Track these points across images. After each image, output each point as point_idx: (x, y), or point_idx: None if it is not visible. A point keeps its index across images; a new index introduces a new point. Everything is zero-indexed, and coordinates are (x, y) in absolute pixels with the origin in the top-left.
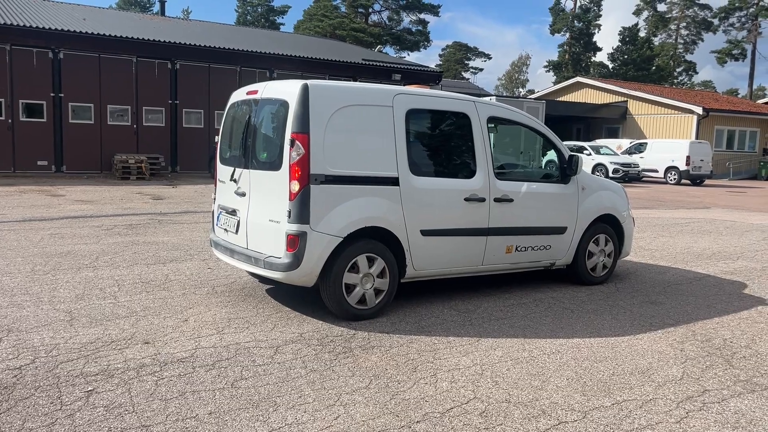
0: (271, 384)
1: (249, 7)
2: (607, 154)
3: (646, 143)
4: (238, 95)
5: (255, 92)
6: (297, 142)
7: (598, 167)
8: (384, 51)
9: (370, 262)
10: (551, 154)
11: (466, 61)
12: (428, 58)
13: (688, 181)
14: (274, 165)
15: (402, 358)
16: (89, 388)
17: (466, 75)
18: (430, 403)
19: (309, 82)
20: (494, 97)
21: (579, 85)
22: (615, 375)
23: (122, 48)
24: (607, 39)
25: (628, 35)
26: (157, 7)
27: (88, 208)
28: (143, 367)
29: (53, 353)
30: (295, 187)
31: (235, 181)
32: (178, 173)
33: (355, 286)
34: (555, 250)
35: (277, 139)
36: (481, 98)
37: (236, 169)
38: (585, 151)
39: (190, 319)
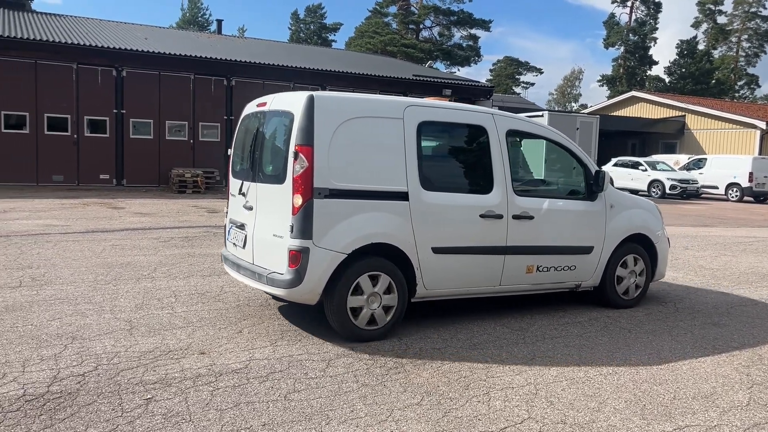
0: (323, 397)
1: (302, 25)
2: (664, 170)
3: (705, 159)
4: (250, 107)
5: (264, 104)
6: (300, 154)
7: (654, 183)
8: (434, 67)
9: (376, 280)
10: (577, 170)
11: (517, 76)
12: (478, 73)
13: (751, 198)
14: (279, 178)
15: (454, 375)
16: (148, 396)
17: (517, 90)
18: (483, 421)
19: (316, 93)
20: (546, 112)
21: (634, 100)
22: (676, 399)
23: (181, 66)
24: (663, 52)
25: (686, 48)
26: (214, 26)
27: (147, 221)
28: (199, 377)
29: (114, 361)
30: (298, 201)
31: (243, 194)
32: None
33: (361, 306)
34: (580, 271)
35: (282, 152)
36: (501, 111)
37: (244, 182)
38: (641, 167)
39: (244, 330)
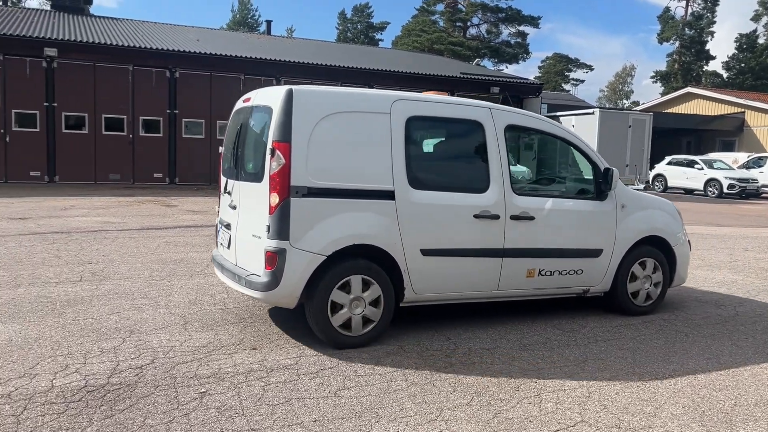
0: (372, 395)
1: (349, 25)
2: (721, 169)
3: (766, 157)
4: (238, 103)
5: (249, 99)
6: (277, 151)
7: (711, 183)
8: (482, 64)
9: (359, 284)
10: (585, 168)
11: (567, 73)
12: (526, 70)
13: None
14: (258, 176)
15: (504, 375)
16: (202, 390)
17: (567, 87)
18: (534, 423)
19: (296, 87)
20: (597, 110)
21: (689, 96)
22: (737, 406)
23: (231, 66)
24: (721, 47)
25: (746, 42)
26: (263, 27)
27: (199, 218)
28: (251, 372)
29: (170, 355)
30: (275, 200)
31: (229, 193)
32: None
33: (344, 312)
34: (588, 276)
35: (262, 149)
36: (500, 105)
37: (229, 180)
38: (696, 166)
39: (296, 327)
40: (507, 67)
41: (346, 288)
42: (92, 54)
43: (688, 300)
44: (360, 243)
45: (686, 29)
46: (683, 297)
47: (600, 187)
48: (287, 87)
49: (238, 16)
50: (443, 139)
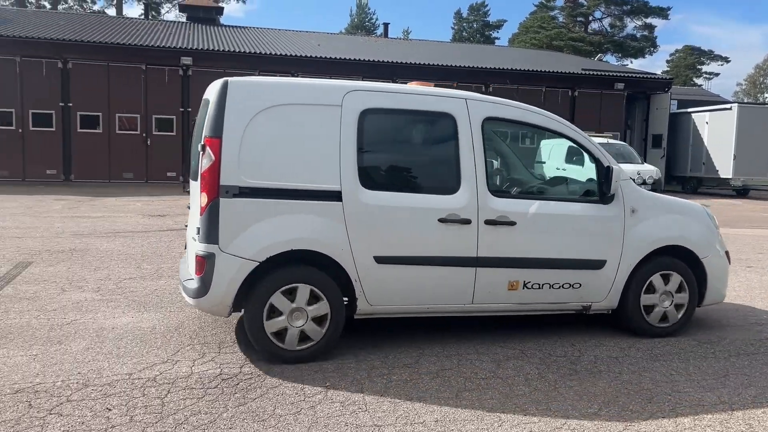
0: (494, 399)
1: (464, 24)
2: None
3: None
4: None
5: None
6: (208, 147)
7: None
8: (604, 60)
9: (301, 293)
10: (589, 166)
11: (699, 66)
12: (653, 64)
13: None
14: (196, 174)
15: (634, 386)
16: (327, 384)
17: (699, 81)
18: None
19: (234, 78)
20: (735, 105)
21: None
22: None
23: (349, 69)
24: None
25: None
26: (380, 30)
27: None
28: (373, 369)
29: None
30: (204, 200)
31: (188, 193)
32: None
33: (282, 323)
34: (588, 290)
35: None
36: (479, 95)
37: (188, 179)
38: None
39: (414, 328)
40: (632, 62)
41: (289, 295)
42: (222, 61)
43: None
44: (300, 249)
45: None
46: None
47: (602, 188)
48: (226, 78)
49: (356, 20)
50: (405, 133)
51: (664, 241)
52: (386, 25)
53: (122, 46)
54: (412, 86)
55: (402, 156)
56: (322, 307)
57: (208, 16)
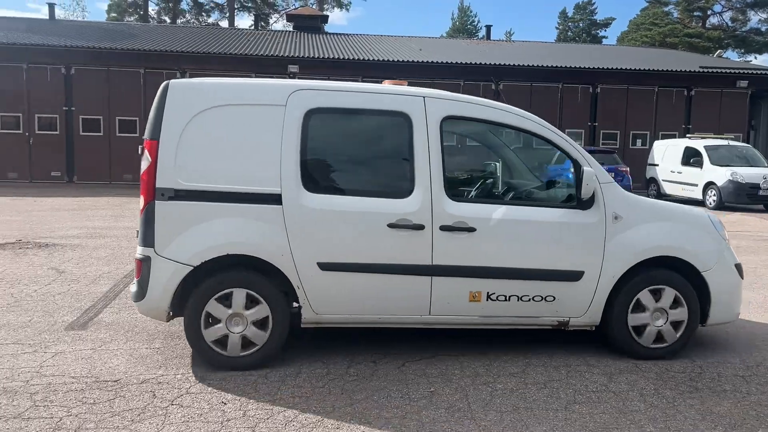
0: (607, 413)
1: (570, 24)
2: None
3: None
4: None
5: None
6: (146, 150)
7: None
8: (725, 56)
9: (239, 298)
10: (565, 167)
11: None
12: None
13: None
14: None
15: (764, 408)
16: (431, 389)
17: None
18: None
19: (174, 80)
20: None
21: None
22: None
23: (450, 73)
24: None
25: None
26: (482, 32)
27: None
28: (478, 376)
29: (400, 351)
30: (141, 202)
31: None
32: None
33: (221, 329)
34: (564, 304)
35: None
36: (443, 93)
37: None
38: None
39: (518, 335)
40: (756, 58)
41: (226, 301)
42: (326, 68)
43: None
44: (237, 253)
45: None
46: None
47: (577, 192)
48: (167, 81)
49: (457, 23)
50: (355, 134)
51: (653, 251)
52: (488, 27)
53: (233, 56)
54: (365, 84)
55: (350, 158)
56: (262, 310)
57: (314, 25)
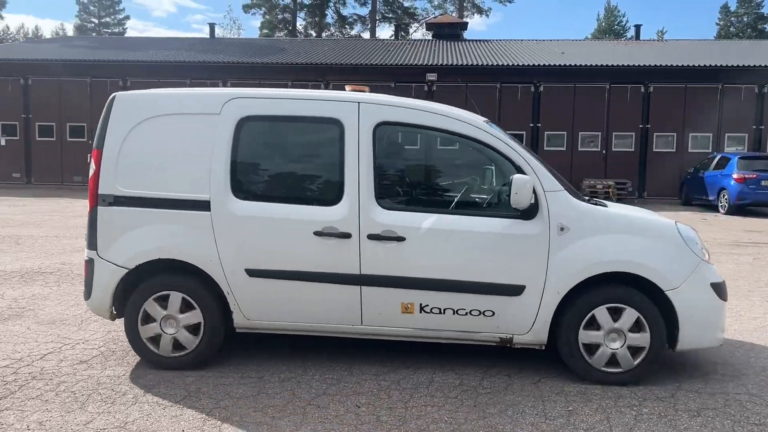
0: None
1: (732, 18)
2: None
3: None
4: None
5: None
6: (92, 158)
7: None
8: None
9: (182, 304)
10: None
11: None
12: None
13: None
14: None
15: None
16: (569, 408)
17: None
18: None
19: (120, 93)
20: None
21: None
22: None
23: (595, 76)
24: None
25: None
26: (631, 32)
27: None
28: (621, 398)
29: (536, 366)
30: (87, 208)
31: None
32: (644, 199)
33: (155, 330)
34: (505, 320)
35: None
36: (382, 97)
37: None
38: None
39: (674, 358)
40: None
41: (163, 302)
42: (464, 75)
43: None
44: (168, 258)
45: None
46: None
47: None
48: (114, 93)
49: (603, 24)
50: (286, 141)
51: (604, 266)
52: (637, 27)
53: (372, 66)
54: (301, 91)
55: (281, 165)
56: (194, 316)
57: (453, 32)
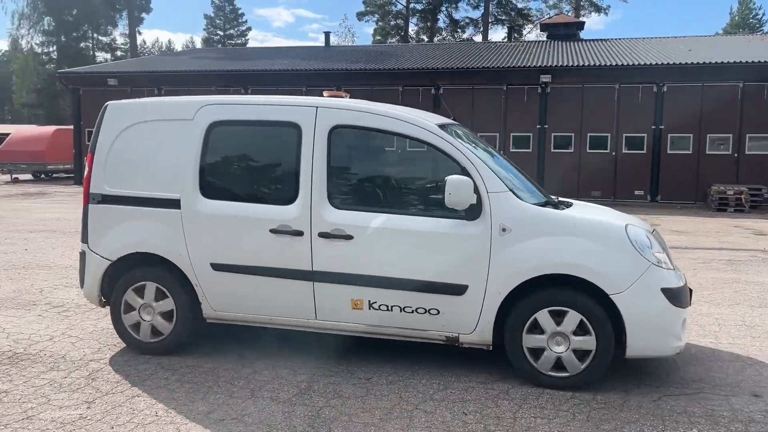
0: None
1: None
2: None
3: None
4: None
5: None
6: (87, 161)
7: None
8: None
9: (156, 293)
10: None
11: None
12: None
13: None
14: None
15: None
16: (693, 430)
17: None
18: None
19: (112, 101)
20: None
21: None
22: None
23: (725, 74)
24: None
25: None
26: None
27: (683, 240)
28: (752, 423)
29: (655, 384)
30: (82, 206)
31: None
32: None
33: (134, 316)
34: (450, 319)
35: None
36: (341, 102)
37: None
38: None
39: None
40: None
41: (140, 292)
42: (580, 76)
43: None
44: (143, 251)
45: None
46: None
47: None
48: (108, 102)
49: (737, 18)
50: (249, 144)
51: (545, 268)
52: None
53: (483, 69)
54: (266, 97)
55: (243, 166)
56: (167, 304)
57: (569, 33)
